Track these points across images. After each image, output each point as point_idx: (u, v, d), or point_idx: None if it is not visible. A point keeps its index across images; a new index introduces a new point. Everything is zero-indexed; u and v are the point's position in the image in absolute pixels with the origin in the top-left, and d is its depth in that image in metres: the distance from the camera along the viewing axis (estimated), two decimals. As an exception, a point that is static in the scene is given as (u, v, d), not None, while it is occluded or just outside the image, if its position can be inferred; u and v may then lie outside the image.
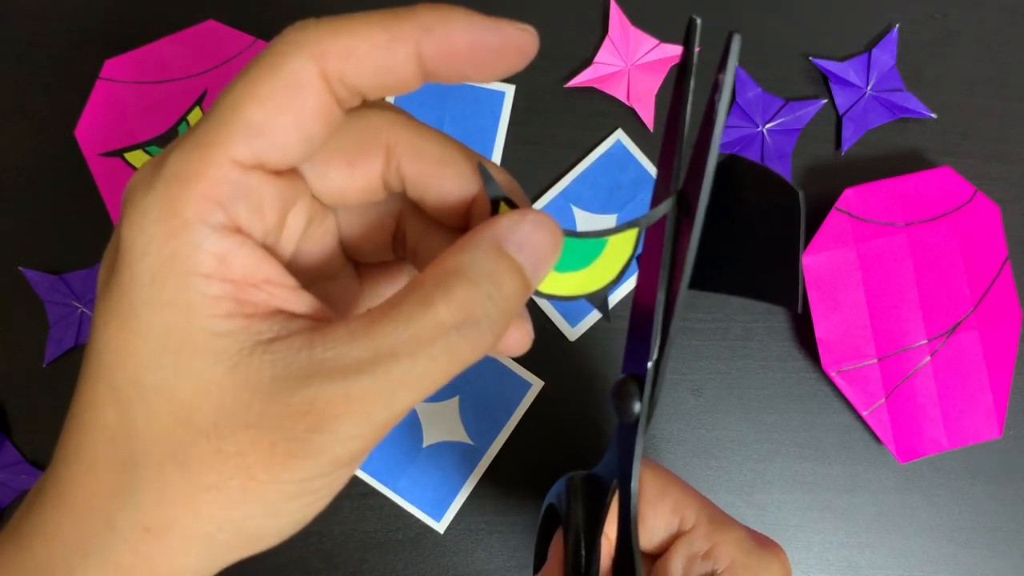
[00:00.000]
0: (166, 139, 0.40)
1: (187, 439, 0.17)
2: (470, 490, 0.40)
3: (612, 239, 0.20)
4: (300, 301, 0.18)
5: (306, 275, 0.20)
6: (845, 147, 0.41)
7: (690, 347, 0.41)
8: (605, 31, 0.41)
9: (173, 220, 0.16)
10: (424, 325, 0.17)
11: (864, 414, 0.40)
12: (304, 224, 0.20)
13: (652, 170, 0.41)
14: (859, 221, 0.40)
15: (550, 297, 0.21)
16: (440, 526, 0.40)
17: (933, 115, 0.42)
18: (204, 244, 0.17)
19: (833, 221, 0.40)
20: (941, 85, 0.42)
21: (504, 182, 0.20)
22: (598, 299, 0.21)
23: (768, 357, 0.41)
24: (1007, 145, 0.42)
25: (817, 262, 0.40)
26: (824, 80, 0.42)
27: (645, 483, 0.27)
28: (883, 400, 0.40)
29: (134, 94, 0.39)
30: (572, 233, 0.20)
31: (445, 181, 0.20)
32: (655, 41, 0.41)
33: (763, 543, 0.27)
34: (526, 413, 0.40)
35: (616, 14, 0.41)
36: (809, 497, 0.41)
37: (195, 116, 0.40)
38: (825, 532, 0.41)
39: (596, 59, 0.41)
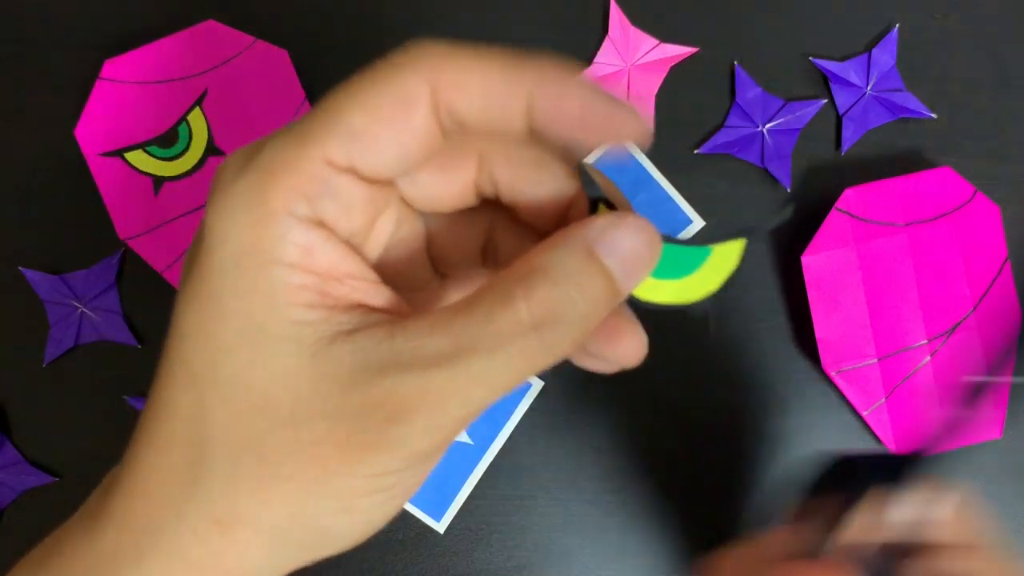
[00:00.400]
0: (166, 139, 0.40)
1: (263, 427, 0.17)
2: (470, 490, 0.40)
3: (716, 248, 0.20)
4: (382, 296, 0.18)
5: (392, 281, 0.20)
6: (845, 147, 0.41)
7: (690, 347, 0.41)
8: (605, 31, 0.41)
9: (260, 208, 0.16)
10: (504, 322, 0.16)
11: (864, 414, 0.40)
12: (392, 229, 0.20)
13: (651, 169, 0.41)
14: (859, 221, 0.40)
15: (646, 303, 0.20)
16: (440, 526, 0.40)
17: (933, 115, 0.42)
18: (289, 234, 0.16)
19: (833, 221, 0.40)
20: (941, 85, 0.42)
21: (604, 184, 0.19)
22: (700, 309, 0.21)
23: (768, 357, 0.41)
24: (1007, 145, 0.42)
25: (817, 262, 0.40)
26: (824, 80, 0.42)
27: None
28: (883, 400, 0.40)
29: (134, 94, 0.39)
30: (674, 240, 0.19)
31: (541, 185, 0.19)
32: (655, 41, 0.41)
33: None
34: (526, 413, 0.40)
35: (616, 14, 0.41)
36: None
37: (195, 116, 0.40)
38: (825, 532, 0.41)
39: (596, 59, 0.41)
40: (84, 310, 0.40)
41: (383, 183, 0.18)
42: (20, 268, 0.40)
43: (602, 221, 0.18)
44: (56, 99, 0.41)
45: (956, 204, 0.40)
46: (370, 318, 0.17)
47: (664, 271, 0.20)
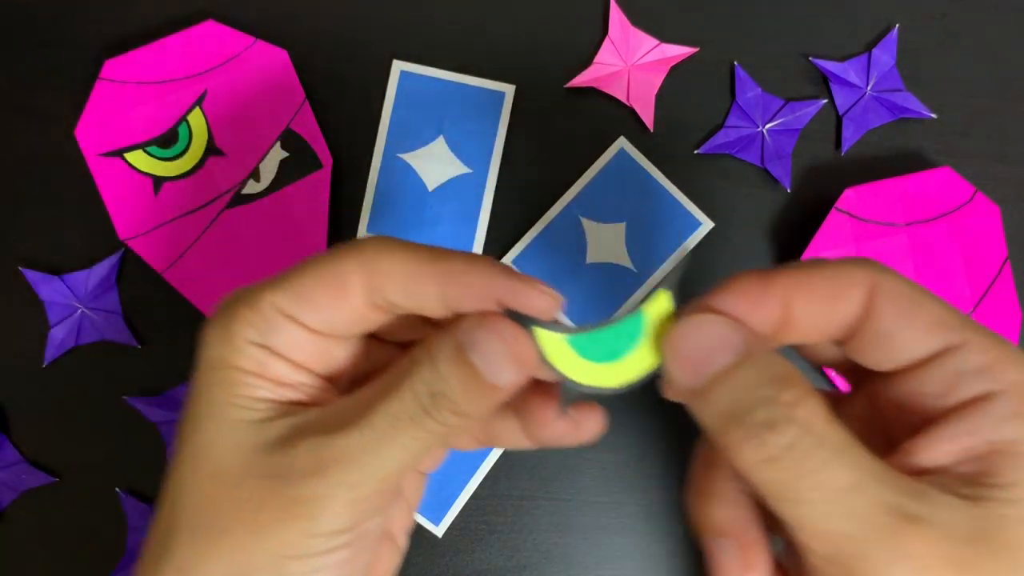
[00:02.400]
0: (166, 139, 0.40)
1: (216, 491, 0.21)
2: (471, 492, 0.40)
3: (645, 309, 0.21)
4: (326, 396, 0.23)
5: (351, 370, 0.25)
6: (845, 147, 0.41)
7: (690, 347, 0.41)
8: (605, 31, 0.41)
9: (226, 333, 0.22)
10: (397, 395, 0.21)
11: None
12: (343, 355, 0.24)
13: (656, 174, 0.41)
14: (859, 221, 0.40)
15: (596, 391, 0.21)
16: (439, 530, 0.40)
17: (933, 115, 0.42)
18: (244, 351, 0.22)
19: (833, 221, 0.40)
20: (941, 85, 0.42)
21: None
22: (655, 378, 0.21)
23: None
24: (1007, 145, 0.42)
25: None
26: (824, 80, 0.42)
27: (887, 289, 0.21)
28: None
29: (134, 94, 0.39)
30: (591, 327, 0.21)
31: (424, 300, 0.22)
32: (655, 41, 0.41)
33: None
34: (526, 413, 0.40)
35: (616, 14, 0.41)
36: (809, 497, 0.41)
37: (195, 116, 0.40)
38: (825, 532, 0.41)
39: (596, 59, 0.41)
40: (84, 310, 0.40)
41: (327, 334, 0.23)
42: (20, 268, 0.40)
43: (469, 322, 0.21)
44: (56, 99, 0.41)
45: (956, 204, 0.40)
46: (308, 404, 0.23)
47: (598, 355, 0.21)
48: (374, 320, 0.23)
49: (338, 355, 0.24)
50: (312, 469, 0.20)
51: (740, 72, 0.41)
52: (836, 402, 0.25)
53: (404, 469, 0.21)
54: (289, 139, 0.40)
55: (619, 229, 0.41)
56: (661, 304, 0.21)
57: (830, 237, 0.40)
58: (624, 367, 0.21)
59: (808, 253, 0.39)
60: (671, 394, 0.22)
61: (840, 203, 0.40)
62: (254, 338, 0.22)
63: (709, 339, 0.21)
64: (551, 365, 0.21)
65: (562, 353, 0.21)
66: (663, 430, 0.41)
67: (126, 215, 0.40)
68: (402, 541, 0.27)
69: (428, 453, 0.22)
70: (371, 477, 0.21)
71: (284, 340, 0.22)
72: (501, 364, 0.21)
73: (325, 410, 0.22)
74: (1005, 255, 0.40)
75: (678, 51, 0.41)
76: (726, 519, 0.23)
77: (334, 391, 0.24)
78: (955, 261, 0.40)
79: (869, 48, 0.42)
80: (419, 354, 0.22)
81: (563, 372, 0.21)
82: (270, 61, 0.40)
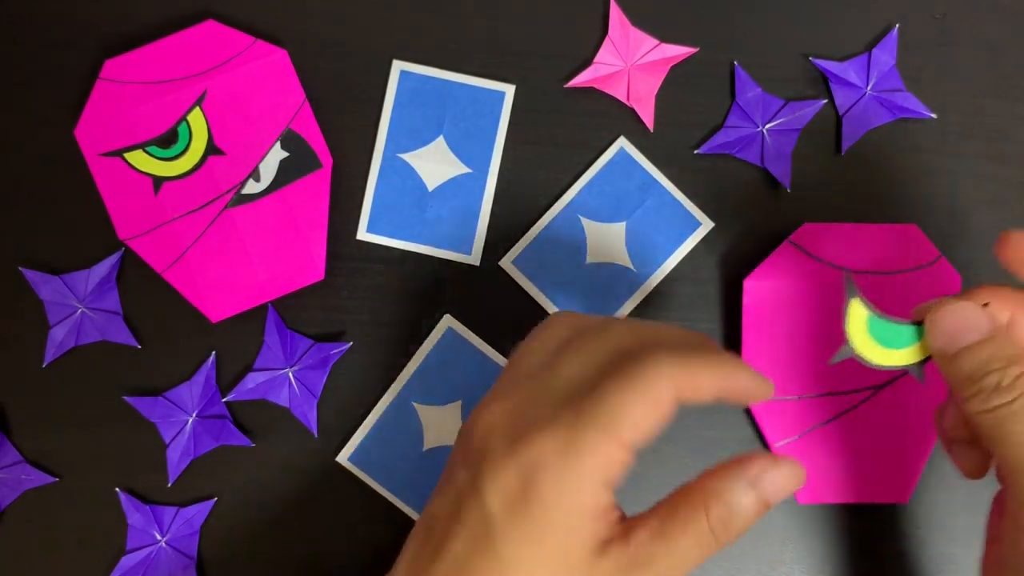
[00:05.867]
0: (166, 139, 0.40)
1: (566, 564, 0.25)
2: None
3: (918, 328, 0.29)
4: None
5: None
6: (845, 147, 0.41)
7: (690, 347, 0.41)
8: (605, 31, 0.41)
9: (581, 481, 0.25)
10: (693, 529, 0.25)
11: (774, 447, 0.39)
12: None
13: (656, 174, 0.41)
14: (810, 258, 0.39)
15: (879, 367, 0.29)
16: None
17: (933, 115, 0.42)
18: (597, 494, 0.25)
19: (783, 252, 0.39)
20: (941, 85, 0.42)
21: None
22: (916, 371, 0.29)
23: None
24: (1007, 145, 0.42)
25: (758, 288, 0.39)
26: (824, 80, 0.42)
27: None
28: (796, 438, 0.39)
29: (134, 94, 0.39)
30: (888, 319, 0.29)
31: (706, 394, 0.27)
32: (655, 41, 0.41)
33: None
34: (526, 413, 0.40)
35: (616, 14, 0.41)
36: (809, 497, 0.41)
37: (195, 116, 0.40)
38: (826, 532, 0.41)
39: (596, 59, 0.41)
40: (84, 310, 0.40)
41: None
42: (20, 268, 0.40)
43: (762, 462, 0.26)
44: (56, 99, 0.41)
45: (916, 264, 0.39)
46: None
47: (890, 342, 0.29)
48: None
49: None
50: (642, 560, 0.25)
51: (740, 72, 0.41)
52: None
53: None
54: (289, 139, 0.40)
55: (619, 229, 0.41)
56: (861, 311, 0.29)
57: (777, 267, 0.39)
58: (898, 355, 0.29)
59: (752, 278, 0.39)
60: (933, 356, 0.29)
61: (794, 236, 0.39)
62: (605, 480, 0.25)
63: (965, 319, 0.28)
64: (850, 337, 0.29)
65: (859, 329, 0.29)
66: (663, 431, 0.41)
67: (126, 215, 0.40)
68: None
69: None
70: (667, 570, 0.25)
71: (625, 472, 0.26)
72: (781, 496, 0.26)
73: (631, 538, 0.26)
74: None
75: (678, 51, 0.41)
76: (960, 436, 0.31)
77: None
78: (903, 317, 0.39)
79: (869, 48, 0.42)
80: (706, 490, 0.26)
81: (856, 345, 0.29)
82: (270, 61, 0.40)
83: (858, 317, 0.29)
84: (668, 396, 0.25)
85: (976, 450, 0.31)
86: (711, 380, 0.26)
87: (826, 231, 0.39)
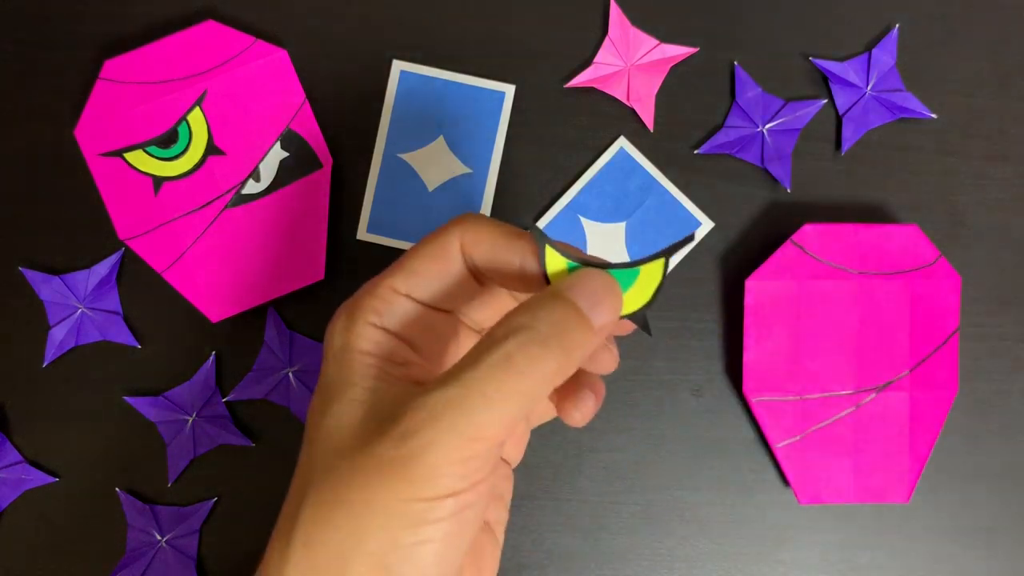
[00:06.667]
0: (166, 139, 0.40)
1: (336, 463, 0.22)
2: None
3: (642, 268, 0.25)
4: (425, 373, 0.26)
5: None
6: (845, 147, 0.41)
7: (690, 347, 0.41)
8: (605, 31, 0.41)
9: (348, 322, 0.25)
10: (486, 347, 0.22)
11: (775, 447, 0.39)
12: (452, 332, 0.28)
13: (656, 174, 0.41)
14: (811, 258, 0.39)
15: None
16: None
17: (933, 115, 0.42)
18: (364, 334, 0.25)
19: (785, 252, 0.39)
20: (941, 85, 0.42)
21: (561, 247, 0.25)
22: (639, 319, 0.25)
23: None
24: (1007, 145, 0.42)
25: (760, 288, 0.39)
26: (824, 80, 0.42)
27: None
28: (797, 438, 0.39)
29: (134, 94, 0.39)
30: (608, 265, 0.24)
31: (508, 267, 0.26)
32: (655, 41, 0.41)
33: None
34: (526, 413, 0.40)
35: (616, 14, 0.41)
36: (809, 497, 0.41)
37: (195, 116, 0.40)
38: (826, 532, 0.41)
39: (596, 59, 0.41)
40: (84, 310, 0.40)
41: (436, 308, 0.26)
42: (20, 268, 0.40)
43: (571, 277, 0.24)
44: (56, 99, 0.41)
45: (916, 264, 0.39)
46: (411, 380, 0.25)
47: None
48: (472, 293, 0.27)
49: (444, 332, 0.27)
50: (418, 426, 0.21)
51: (740, 72, 0.41)
52: None
53: (508, 420, 0.21)
54: (289, 139, 0.40)
55: (619, 229, 0.41)
56: (656, 266, 0.25)
57: (779, 267, 0.39)
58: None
59: (753, 277, 0.39)
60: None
61: (796, 236, 0.39)
62: (374, 320, 0.25)
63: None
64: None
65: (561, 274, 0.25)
66: (663, 430, 0.41)
67: (126, 215, 0.40)
68: (500, 536, 0.29)
69: (532, 405, 0.22)
70: (469, 435, 0.21)
71: (399, 318, 0.25)
72: (601, 303, 0.23)
73: (435, 377, 0.23)
74: (956, 326, 0.40)
75: (678, 51, 0.41)
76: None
77: (428, 367, 0.26)
78: (902, 320, 0.40)
79: (869, 48, 0.42)
80: (518, 310, 0.23)
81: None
82: (270, 61, 0.40)
83: (557, 262, 0.25)
84: (453, 242, 0.26)
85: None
86: (493, 231, 0.25)
87: (827, 231, 0.39)
